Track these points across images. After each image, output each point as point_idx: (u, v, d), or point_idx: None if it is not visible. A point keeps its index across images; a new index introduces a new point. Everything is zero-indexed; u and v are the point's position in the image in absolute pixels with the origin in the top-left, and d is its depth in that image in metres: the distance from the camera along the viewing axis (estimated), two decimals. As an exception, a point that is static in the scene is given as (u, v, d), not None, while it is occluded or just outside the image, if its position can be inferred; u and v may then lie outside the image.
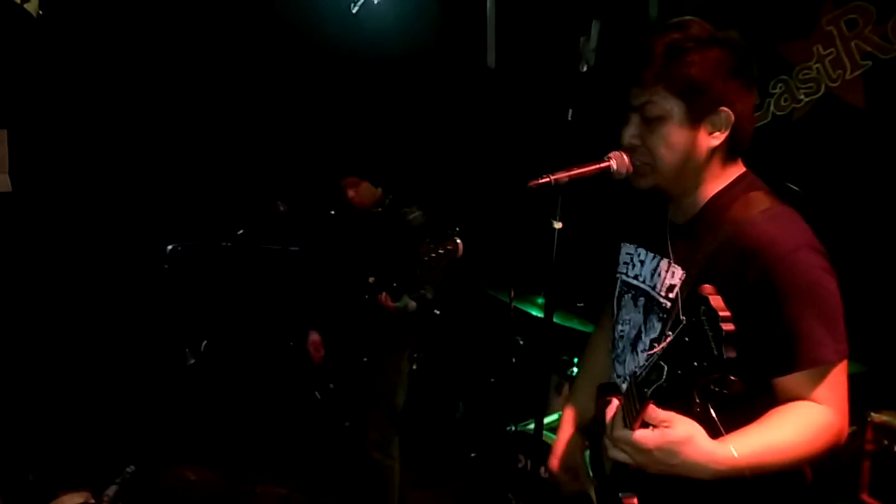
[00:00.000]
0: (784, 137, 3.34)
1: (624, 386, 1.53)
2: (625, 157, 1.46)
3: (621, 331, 1.62)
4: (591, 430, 1.63)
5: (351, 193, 3.25)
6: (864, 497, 2.66)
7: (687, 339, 1.07)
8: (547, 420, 3.16)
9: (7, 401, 3.55)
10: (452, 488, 3.95)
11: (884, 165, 3.05)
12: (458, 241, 2.67)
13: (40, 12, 3.76)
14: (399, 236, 3.17)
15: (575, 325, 3.45)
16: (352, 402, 3.35)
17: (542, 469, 1.86)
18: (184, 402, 4.02)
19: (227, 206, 4.14)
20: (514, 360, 3.67)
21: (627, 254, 1.65)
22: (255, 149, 4.47)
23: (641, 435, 1.21)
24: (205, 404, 4.00)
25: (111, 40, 4.10)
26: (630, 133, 1.45)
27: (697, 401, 1.24)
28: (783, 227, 1.35)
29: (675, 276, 1.45)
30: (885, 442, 2.63)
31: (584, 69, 3.79)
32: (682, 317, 1.09)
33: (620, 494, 1.41)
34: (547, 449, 1.77)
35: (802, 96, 3.34)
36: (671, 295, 1.44)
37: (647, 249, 1.58)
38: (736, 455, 1.22)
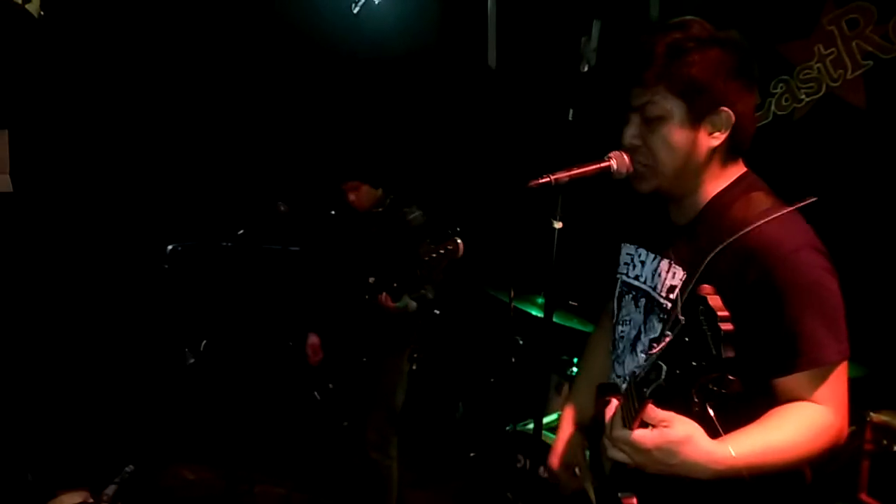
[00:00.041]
0: (785, 137, 3.34)
1: (623, 386, 1.53)
2: (625, 157, 1.46)
3: (622, 331, 1.62)
4: (591, 430, 1.63)
5: (352, 197, 3.26)
6: (863, 497, 2.66)
7: (686, 338, 1.07)
8: (546, 420, 3.16)
9: (6, 400, 3.55)
10: (452, 488, 3.95)
11: (884, 165, 3.05)
12: (459, 241, 2.67)
13: (42, 13, 3.76)
14: (399, 236, 3.17)
15: (575, 324, 3.45)
16: (351, 403, 3.35)
17: (542, 469, 1.86)
18: (183, 401, 4.02)
19: (228, 206, 4.14)
20: (513, 359, 3.67)
21: (628, 254, 1.65)
22: (255, 149, 4.48)
23: (640, 435, 1.21)
24: (204, 404, 4.00)
25: (112, 41, 4.10)
26: (631, 133, 1.45)
27: (696, 400, 1.24)
28: (784, 228, 1.34)
29: (675, 276, 1.45)
30: (885, 442, 2.63)
31: (585, 69, 3.79)
32: (680, 316, 1.08)
33: (620, 494, 1.41)
34: (546, 449, 1.77)
35: (803, 96, 3.34)
36: (672, 296, 1.44)
37: (648, 250, 1.58)
38: (735, 455, 1.22)
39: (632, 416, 1.21)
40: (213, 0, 4.28)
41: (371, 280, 3.07)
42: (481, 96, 4.32)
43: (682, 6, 3.22)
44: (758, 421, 1.29)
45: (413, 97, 4.40)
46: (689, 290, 1.37)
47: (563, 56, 3.90)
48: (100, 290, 4.12)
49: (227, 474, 3.52)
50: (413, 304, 3.12)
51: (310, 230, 3.65)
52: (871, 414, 2.64)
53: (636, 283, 1.59)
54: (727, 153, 1.45)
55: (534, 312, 3.50)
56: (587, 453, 1.66)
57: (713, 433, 1.24)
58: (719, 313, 1.02)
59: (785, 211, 1.38)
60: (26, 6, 3.69)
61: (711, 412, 1.24)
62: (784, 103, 3.40)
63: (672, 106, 1.39)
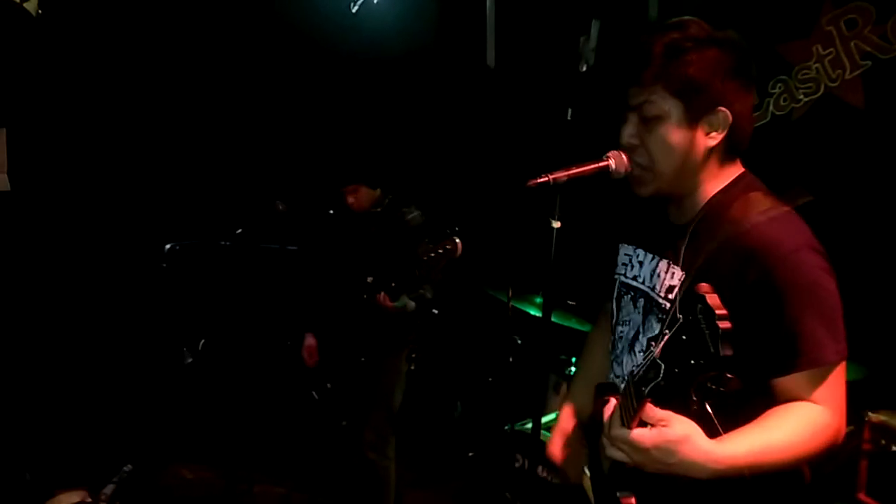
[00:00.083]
0: (783, 137, 3.35)
1: (622, 386, 1.53)
2: (623, 156, 1.46)
3: (621, 332, 1.61)
4: (589, 430, 1.62)
5: (350, 200, 3.26)
6: (862, 496, 2.67)
7: (684, 337, 1.07)
8: (545, 419, 3.16)
9: (4, 399, 3.55)
10: (451, 488, 3.95)
11: (883, 165, 3.05)
12: (458, 240, 2.68)
13: (39, 11, 3.76)
14: (398, 236, 3.17)
15: (573, 324, 3.45)
16: (349, 402, 3.35)
17: (540, 468, 1.86)
18: (182, 401, 4.01)
19: (226, 205, 4.14)
20: (511, 359, 3.67)
21: (626, 255, 1.65)
22: (253, 148, 4.47)
23: (639, 434, 1.21)
24: (203, 403, 4.00)
25: (111, 40, 4.10)
26: (628, 132, 1.45)
27: (695, 399, 1.24)
28: (783, 228, 1.34)
29: (674, 276, 1.45)
30: (883, 441, 2.63)
31: (584, 69, 3.79)
32: (678, 315, 1.09)
33: (618, 494, 1.41)
34: (544, 448, 1.76)
35: (802, 96, 3.34)
36: (671, 296, 1.44)
37: (647, 250, 1.58)
38: (733, 454, 1.22)
39: (630, 415, 1.21)
40: (213, 0, 4.28)
41: (369, 280, 3.07)
42: (480, 96, 4.32)
43: (681, 6, 3.22)
44: (756, 420, 1.29)
45: (411, 97, 4.40)
46: (688, 290, 1.37)
47: (562, 56, 3.90)
48: (98, 289, 4.11)
49: (226, 474, 3.52)
50: (412, 304, 3.12)
51: (308, 230, 3.65)
52: (870, 414, 2.65)
53: (634, 283, 1.59)
54: (725, 153, 1.45)
55: (532, 312, 3.50)
56: (584, 452, 1.66)
57: (712, 432, 1.24)
58: (717, 311, 1.02)
59: (783, 211, 1.39)
60: (24, 5, 3.69)
61: (710, 410, 1.24)
62: (782, 103, 3.40)
63: (669, 106, 1.39)
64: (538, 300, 3.52)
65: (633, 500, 1.39)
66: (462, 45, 4.33)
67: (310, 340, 3.39)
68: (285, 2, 4.37)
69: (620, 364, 1.59)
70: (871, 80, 3.12)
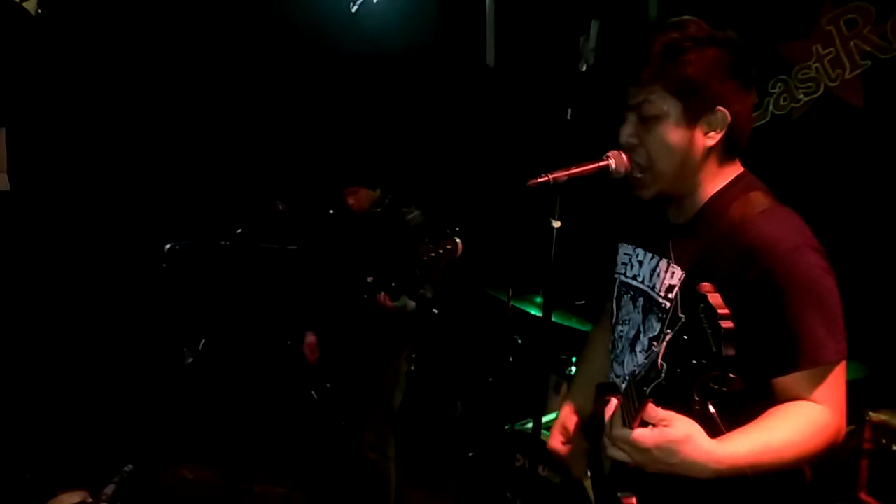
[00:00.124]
0: (783, 137, 3.35)
1: (623, 385, 1.53)
2: (623, 156, 1.46)
3: (621, 331, 1.62)
4: (590, 429, 1.62)
5: (351, 201, 3.27)
6: (863, 496, 2.67)
7: (686, 337, 1.07)
8: (545, 419, 3.16)
9: (5, 399, 3.55)
10: (451, 488, 3.95)
11: (883, 165, 3.05)
12: (458, 240, 2.68)
13: (39, 11, 3.75)
14: (398, 236, 3.17)
15: (573, 324, 3.45)
16: (349, 402, 3.35)
17: (541, 468, 1.86)
18: (182, 401, 4.01)
19: (226, 205, 4.14)
20: (512, 359, 3.67)
21: (626, 254, 1.65)
22: (253, 147, 4.47)
23: (640, 434, 1.21)
24: (203, 403, 4.00)
25: (110, 39, 4.09)
26: (627, 132, 1.45)
27: (697, 399, 1.24)
28: (783, 227, 1.35)
29: (674, 276, 1.45)
30: (884, 441, 2.63)
31: (584, 68, 3.79)
32: (680, 315, 1.08)
33: (619, 494, 1.41)
34: (545, 448, 1.76)
35: (801, 96, 3.34)
36: (671, 295, 1.44)
37: (646, 250, 1.58)
38: (735, 454, 1.22)
39: (632, 415, 1.21)
40: (212, -1, 4.29)
41: (369, 280, 3.07)
42: (480, 95, 4.31)
43: (681, 6, 3.21)
44: (756, 420, 1.29)
45: (411, 96, 4.40)
46: (689, 290, 1.37)
47: (562, 55, 3.89)
48: (98, 289, 4.11)
49: (226, 474, 3.52)
50: (412, 304, 3.12)
51: (308, 230, 3.65)
52: (870, 413, 2.65)
53: (634, 282, 1.59)
54: (724, 153, 1.45)
55: (532, 312, 3.50)
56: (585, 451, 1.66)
57: (714, 432, 1.24)
58: (719, 311, 1.02)
59: (783, 210, 1.39)
60: (24, 4, 3.69)
61: (713, 411, 1.24)
62: (782, 103, 3.40)
63: (668, 105, 1.39)
64: (538, 300, 3.52)
65: (633, 500, 1.39)
66: (462, 45, 4.32)
67: (310, 337, 3.39)
68: (285, 1, 4.36)
69: (621, 364, 1.59)
70: (871, 80, 3.12)
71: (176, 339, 3.99)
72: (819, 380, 1.30)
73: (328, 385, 3.43)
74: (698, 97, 1.38)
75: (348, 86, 4.44)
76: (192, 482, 3.75)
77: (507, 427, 3.21)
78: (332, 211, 3.44)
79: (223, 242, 3.68)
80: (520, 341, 3.77)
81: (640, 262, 1.58)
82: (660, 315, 1.47)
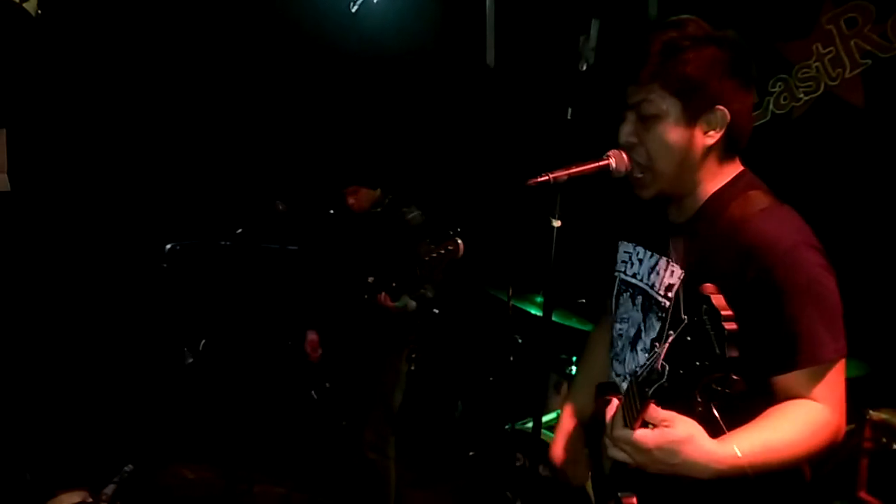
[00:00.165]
0: (783, 136, 3.35)
1: (623, 385, 1.53)
2: (624, 155, 1.46)
3: (620, 329, 1.62)
4: (591, 429, 1.62)
5: (351, 201, 3.27)
6: (863, 494, 2.66)
7: (689, 338, 1.06)
8: (545, 418, 3.16)
9: (5, 399, 3.55)
10: (451, 487, 3.95)
11: (883, 164, 3.05)
12: (459, 241, 2.68)
13: (39, 11, 3.75)
14: (398, 236, 3.17)
15: (574, 323, 3.45)
16: (349, 402, 3.35)
17: (541, 467, 1.86)
18: (182, 401, 4.01)
19: (226, 205, 4.14)
20: (512, 358, 3.67)
21: (626, 252, 1.65)
22: (253, 147, 4.47)
23: (642, 434, 1.21)
24: (203, 403, 4.00)
25: (110, 39, 4.09)
26: (626, 131, 1.45)
27: (699, 400, 1.24)
28: (782, 226, 1.35)
29: (673, 275, 1.45)
30: (884, 440, 2.63)
31: (584, 68, 3.79)
32: (683, 316, 1.08)
33: (620, 494, 1.41)
34: (545, 447, 1.76)
35: (802, 95, 3.34)
36: (670, 294, 1.44)
37: (646, 248, 1.58)
38: (736, 454, 1.22)
39: (633, 415, 1.21)
40: (212, -1, 4.29)
41: (370, 280, 3.07)
42: (480, 95, 4.31)
43: (682, 5, 3.21)
44: (756, 420, 1.29)
45: (411, 96, 4.40)
46: (690, 289, 1.37)
47: (562, 55, 3.89)
48: (98, 289, 4.11)
49: (226, 474, 3.52)
50: (413, 304, 3.12)
51: (308, 229, 3.65)
52: (871, 412, 2.64)
53: (633, 280, 1.59)
54: (723, 152, 1.45)
55: (533, 311, 3.50)
56: (586, 452, 1.66)
57: (716, 433, 1.24)
58: (723, 312, 1.01)
59: (783, 209, 1.39)
60: (24, 5, 3.69)
61: (716, 412, 1.24)
62: (782, 102, 3.40)
63: (667, 104, 1.39)
64: (539, 299, 3.52)
65: (634, 500, 1.39)
66: (462, 45, 4.32)
67: (312, 335, 3.39)
68: (285, 1, 4.36)
69: (622, 362, 1.59)
70: (871, 79, 3.12)
71: (176, 339, 4.00)
72: (818, 378, 1.30)
73: (328, 385, 3.43)
74: (697, 96, 1.38)
75: (348, 86, 4.44)
76: (192, 482, 3.75)
77: (507, 426, 3.21)
78: (332, 211, 3.44)
79: (223, 242, 3.68)
80: (520, 341, 3.77)
81: (640, 261, 1.58)
82: (659, 314, 1.47)
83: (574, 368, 3.36)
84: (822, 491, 2.41)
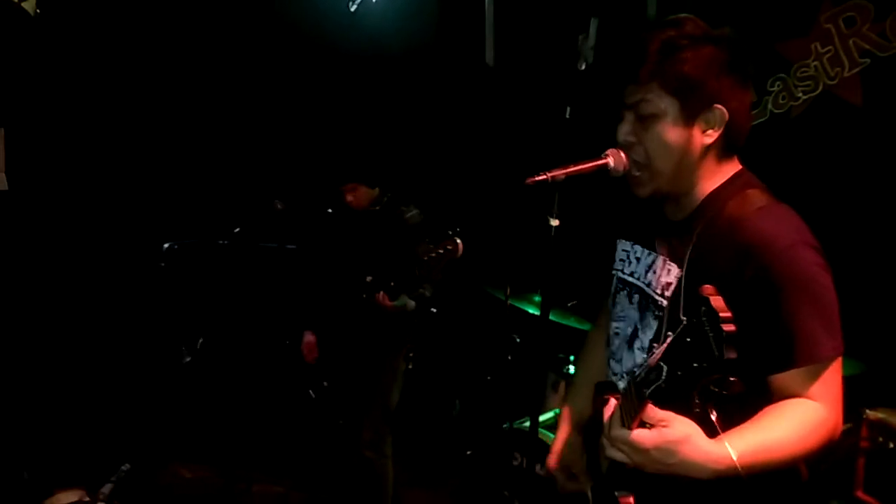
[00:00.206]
0: (782, 135, 3.35)
1: (621, 384, 1.53)
2: (622, 154, 1.46)
3: (616, 328, 1.62)
4: (589, 429, 1.62)
5: (349, 198, 3.26)
6: (859, 494, 2.67)
7: (687, 339, 1.06)
8: (543, 418, 3.16)
9: (2, 398, 3.55)
10: (449, 486, 3.95)
11: (882, 163, 3.05)
12: (458, 240, 2.68)
13: (38, 11, 3.75)
14: (396, 235, 3.17)
15: (572, 322, 3.45)
16: (346, 401, 3.34)
17: (538, 466, 1.86)
18: (180, 399, 4.01)
19: (224, 204, 4.13)
20: (510, 357, 3.67)
21: (623, 250, 1.65)
22: (252, 147, 4.47)
23: (639, 434, 1.21)
24: (201, 402, 4.00)
25: (109, 39, 4.09)
26: (625, 130, 1.45)
27: (697, 401, 1.24)
28: (780, 224, 1.35)
29: (671, 273, 1.45)
30: (880, 439, 2.63)
31: (583, 67, 3.79)
32: (682, 317, 1.08)
33: (617, 493, 1.41)
34: (543, 446, 1.76)
35: (800, 94, 3.34)
36: (667, 293, 1.44)
37: (643, 246, 1.58)
38: (733, 454, 1.22)
39: (631, 415, 1.21)
40: (211, -1, 4.28)
41: (368, 279, 3.07)
42: (479, 94, 4.31)
43: (680, 4, 3.22)
44: (753, 419, 1.29)
45: (410, 95, 4.40)
46: (688, 289, 1.37)
47: (561, 54, 3.90)
48: (96, 288, 4.11)
49: (224, 473, 3.52)
50: (411, 303, 3.12)
51: (306, 228, 3.65)
52: (867, 411, 2.64)
53: (631, 279, 1.59)
54: (722, 150, 1.45)
55: (530, 310, 3.50)
56: (584, 456, 1.66)
57: (713, 434, 1.24)
58: (721, 314, 1.01)
59: (780, 208, 1.39)
60: (22, 4, 3.68)
61: (713, 414, 1.24)
62: (781, 101, 3.40)
63: (665, 104, 1.39)
64: (537, 298, 3.52)
65: (631, 499, 1.39)
66: (461, 44, 4.32)
67: (309, 337, 3.39)
68: (285, 1, 4.36)
69: (619, 361, 1.59)
70: (870, 78, 3.12)
71: (174, 338, 4.00)
72: (815, 377, 1.30)
73: (326, 384, 3.42)
74: (695, 95, 1.38)
75: (347, 85, 4.44)
76: (190, 481, 3.74)
77: (505, 426, 3.21)
78: (330, 210, 3.44)
79: (221, 241, 3.68)
80: (518, 340, 3.77)
81: (638, 259, 1.59)
82: (656, 313, 1.47)
83: (572, 368, 3.36)
84: (818, 490, 2.41)
